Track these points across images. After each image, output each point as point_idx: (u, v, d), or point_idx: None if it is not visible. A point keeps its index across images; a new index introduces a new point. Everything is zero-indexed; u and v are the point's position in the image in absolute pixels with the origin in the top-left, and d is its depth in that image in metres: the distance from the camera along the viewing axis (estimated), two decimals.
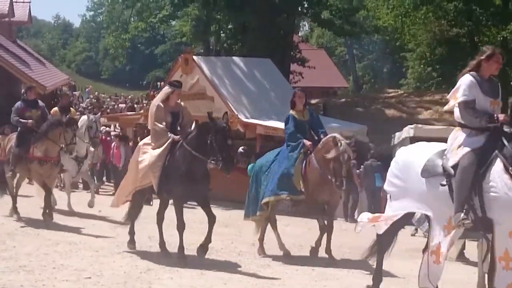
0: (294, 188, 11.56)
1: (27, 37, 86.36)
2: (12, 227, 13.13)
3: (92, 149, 17.06)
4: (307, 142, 11.68)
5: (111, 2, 34.31)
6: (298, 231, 14.78)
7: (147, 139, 11.39)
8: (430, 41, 38.48)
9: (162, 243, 11.35)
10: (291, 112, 12.03)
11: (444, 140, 15.04)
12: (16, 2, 37.01)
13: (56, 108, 16.47)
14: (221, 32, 34.74)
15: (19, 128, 14.61)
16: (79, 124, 15.54)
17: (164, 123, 10.98)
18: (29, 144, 13.95)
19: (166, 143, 10.83)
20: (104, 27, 43.15)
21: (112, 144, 21.63)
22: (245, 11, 28.39)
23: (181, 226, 10.77)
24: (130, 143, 21.38)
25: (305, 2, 30.67)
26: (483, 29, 34.37)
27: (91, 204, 15.64)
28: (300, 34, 51.81)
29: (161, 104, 11.06)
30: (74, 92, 49.28)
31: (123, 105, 38.74)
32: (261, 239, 12.20)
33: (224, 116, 10.74)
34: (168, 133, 10.91)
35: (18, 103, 14.76)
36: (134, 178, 11.25)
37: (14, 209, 14.43)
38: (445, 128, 19.21)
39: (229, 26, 33.41)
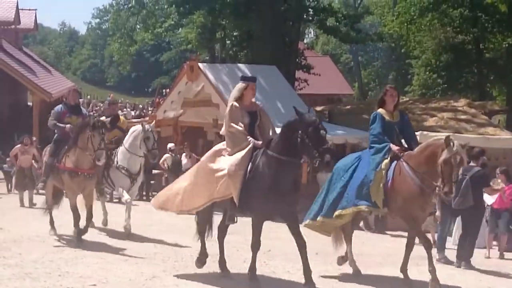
0: (375, 202, 10.16)
1: (33, 44, 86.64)
2: (17, 234, 13.14)
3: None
4: (394, 147, 10.27)
5: (116, 9, 34.35)
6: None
7: (221, 145, 9.96)
8: (436, 48, 38.47)
9: (222, 262, 10.38)
10: (379, 110, 10.59)
11: None
12: (22, 9, 37.15)
13: (103, 118, 14.64)
14: (227, 39, 34.78)
15: (55, 135, 13.38)
16: (132, 135, 13.95)
17: (241, 125, 9.62)
18: (63, 153, 12.67)
19: (247, 149, 9.47)
20: (110, 34, 43.18)
21: None
22: (250, 19, 28.41)
23: (256, 245, 9.68)
24: None
25: (310, 9, 30.68)
26: (488, 36, 34.39)
27: (127, 228, 13.64)
28: (305, 41, 51.85)
29: (236, 104, 9.70)
30: (80, 99, 49.35)
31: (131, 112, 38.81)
32: (350, 251, 11.10)
33: (309, 110, 9.98)
34: (248, 137, 9.59)
35: (59, 107, 13.61)
36: (208, 188, 9.66)
37: (51, 221, 13.46)
38: (451, 135, 19.17)
39: (234, 33, 33.43)
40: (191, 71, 20.73)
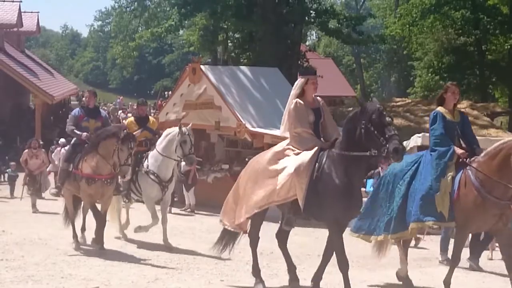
0: (441, 212, 9.21)
1: (35, 47, 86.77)
2: (20, 237, 13.14)
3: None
4: (459, 150, 9.44)
5: (119, 12, 34.37)
6: (305, 241, 14.75)
7: (281, 145, 9.25)
8: (438, 49, 38.51)
9: (256, 270, 9.81)
10: (439, 109, 9.85)
11: None
12: (25, 12, 37.14)
13: (131, 119, 14.32)
14: (229, 41, 34.80)
15: (73, 139, 12.78)
16: (167, 137, 12.87)
17: (308, 125, 8.95)
18: (80, 157, 12.04)
19: (314, 150, 8.78)
20: (112, 36, 43.23)
21: None
22: (252, 21, 28.42)
23: (344, 264, 8.81)
24: None
25: (312, 11, 30.68)
26: (490, 37, 34.42)
27: (168, 245, 12.71)
28: (307, 43, 51.86)
29: (301, 101, 8.97)
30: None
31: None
32: (404, 263, 10.27)
33: (372, 98, 9.50)
34: (315, 138, 8.92)
35: (76, 110, 12.94)
36: (268, 190, 8.98)
37: (74, 235, 12.49)
38: None
39: (236, 36, 33.47)
40: (193, 74, 20.71)
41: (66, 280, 9.69)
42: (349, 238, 15.81)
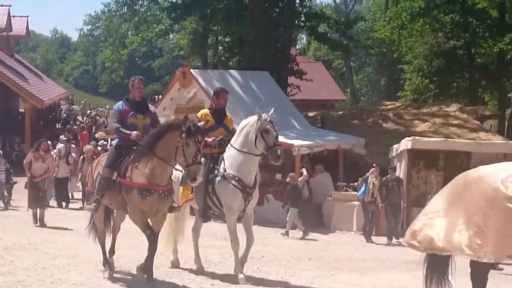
0: None
1: (24, 51, 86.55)
2: (9, 242, 13.08)
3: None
4: None
5: (108, 16, 34.36)
6: (296, 244, 14.78)
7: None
8: (427, 53, 38.62)
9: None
10: None
11: (441, 152, 15.07)
12: (14, 16, 37.13)
13: (206, 110, 11.07)
14: (219, 45, 34.84)
15: (115, 140, 10.35)
16: (244, 130, 10.28)
17: None
18: (127, 163, 9.55)
19: None
20: (102, 40, 43.20)
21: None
22: (242, 24, 28.45)
23: None
24: None
25: (302, 15, 30.74)
26: (480, 41, 34.53)
27: (238, 271, 10.27)
28: (297, 47, 51.90)
29: None
30: (73, 106, 49.49)
31: None
32: None
33: None
34: None
35: (119, 104, 10.17)
36: None
37: (104, 260, 10.46)
38: (443, 140, 19.24)
39: (226, 39, 33.50)
40: (183, 77, 20.73)
41: (56, 285, 9.65)
42: (337, 242, 15.95)
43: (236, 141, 10.30)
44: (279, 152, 9.91)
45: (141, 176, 9.25)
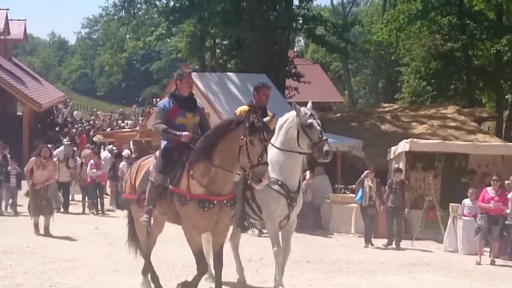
0: None
1: (22, 55, 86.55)
2: (8, 245, 13.08)
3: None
4: None
5: (106, 19, 34.41)
6: (294, 246, 14.76)
7: None
8: (425, 55, 38.67)
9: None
10: None
11: (439, 154, 15.10)
12: (12, 20, 37.11)
13: (245, 107, 9.97)
14: (216, 48, 34.85)
15: (163, 143, 8.94)
16: (284, 127, 9.33)
17: None
18: (182, 169, 8.38)
19: None
20: (100, 44, 43.25)
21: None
22: (240, 27, 28.47)
23: None
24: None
25: (300, 18, 30.77)
26: (477, 43, 34.56)
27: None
28: (295, 49, 51.95)
29: None
30: (76, 112, 49.52)
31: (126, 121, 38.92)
32: None
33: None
34: None
35: (165, 102, 8.94)
36: None
37: (144, 272, 9.65)
38: (440, 142, 19.25)
39: (224, 42, 33.53)
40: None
41: None
42: (336, 244, 15.94)
43: (276, 140, 9.24)
44: (326, 148, 8.84)
45: (200, 186, 8.12)
